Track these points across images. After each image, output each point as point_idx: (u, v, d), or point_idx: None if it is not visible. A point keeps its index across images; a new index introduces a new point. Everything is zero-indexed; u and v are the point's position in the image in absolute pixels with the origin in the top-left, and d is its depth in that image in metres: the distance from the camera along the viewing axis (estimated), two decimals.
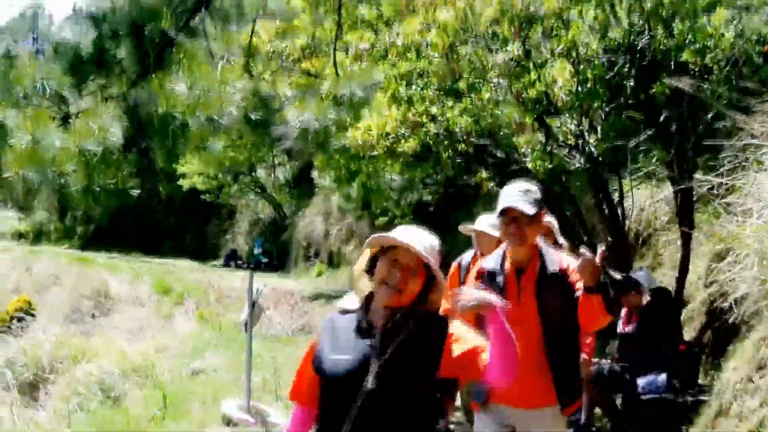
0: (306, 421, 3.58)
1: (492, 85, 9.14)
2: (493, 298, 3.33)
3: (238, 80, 7.04)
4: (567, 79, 8.49)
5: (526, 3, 8.63)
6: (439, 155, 10.41)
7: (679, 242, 9.33)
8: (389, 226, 18.57)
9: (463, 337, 3.40)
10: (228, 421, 9.38)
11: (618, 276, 9.24)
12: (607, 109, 8.76)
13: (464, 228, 7.34)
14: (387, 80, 9.57)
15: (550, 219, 6.76)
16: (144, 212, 35.14)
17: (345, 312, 3.64)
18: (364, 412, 3.23)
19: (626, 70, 8.47)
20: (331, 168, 13.86)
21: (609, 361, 8.72)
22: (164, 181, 32.17)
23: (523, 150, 9.19)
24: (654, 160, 9.66)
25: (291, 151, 24.92)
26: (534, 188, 4.78)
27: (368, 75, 8.35)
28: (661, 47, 7.95)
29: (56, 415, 11.77)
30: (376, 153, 10.29)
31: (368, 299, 3.55)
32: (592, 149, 8.88)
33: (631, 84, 8.53)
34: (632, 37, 8.27)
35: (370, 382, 3.25)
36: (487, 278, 4.84)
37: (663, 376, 8.05)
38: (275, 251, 29.68)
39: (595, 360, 8.32)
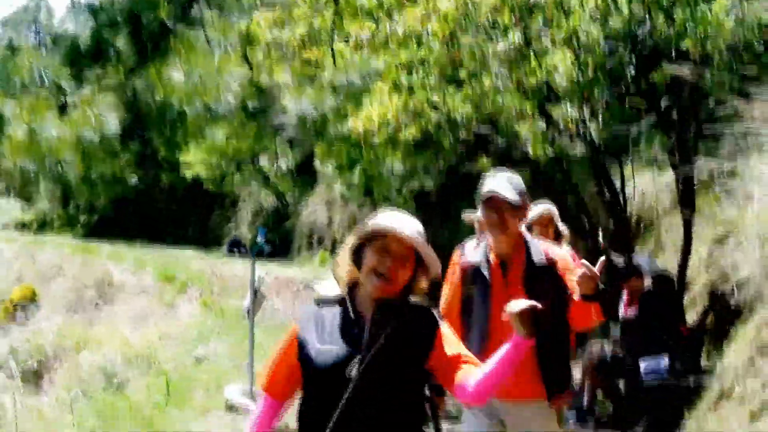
0: (275, 415, 3.42)
1: (493, 73, 9.14)
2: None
3: (235, 69, 7.06)
4: (567, 66, 8.50)
5: None
6: (440, 143, 10.42)
7: (681, 227, 9.35)
8: None
9: (451, 339, 3.35)
10: (231, 407, 9.44)
11: (620, 261, 9.29)
12: (607, 96, 8.77)
13: (467, 216, 7.35)
14: (388, 69, 9.59)
15: (550, 207, 6.79)
16: (147, 201, 35.14)
17: (325, 301, 3.46)
18: (353, 404, 3.12)
19: (627, 57, 8.48)
20: (332, 156, 13.87)
21: (611, 345, 8.78)
22: (167, 170, 32.16)
23: (524, 138, 9.21)
24: (655, 146, 9.67)
25: (293, 140, 24.90)
26: (517, 177, 4.67)
27: (366, 64, 8.37)
28: (662, 35, 7.95)
29: (59, 402, 11.81)
30: (377, 141, 10.30)
31: (352, 288, 3.38)
32: (594, 136, 8.90)
33: (632, 71, 8.54)
34: (633, 25, 8.27)
35: (359, 374, 3.13)
36: (472, 272, 4.74)
37: (665, 360, 8.08)
38: (278, 240, 29.66)
39: (596, 343, 8.37)
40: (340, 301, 3.39)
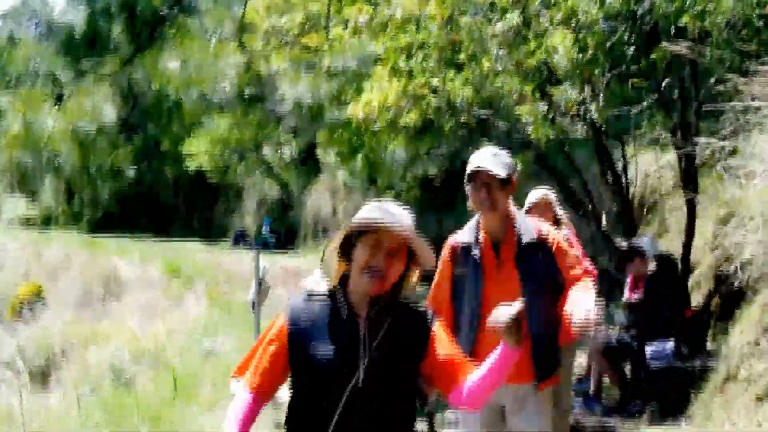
0: (254, 413, 3.23)
1: (492, 55, 9.07)
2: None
3: (232, 56, 7.00)
4: (567, 47, 8.42)
5: None
6: (441, 127, 10.36)
7: (684, 208, 9.28)
8: (396, 201, 18.53)
9: (445, 341, 3.24)
10: None
11: (623, 244, 9.23)
12: (608, 76, 8.70)
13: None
14: (387, 53, 9.53)
15: (547, 192, 6.72)
16: (151, 195, 35.18)
17: (315, 295, 3.30)
18: (351, 405, 3.03)
19: (626, 36, 8.40)
20: (334, 143, 13.81)
21: (617, 330, 8.73)
22: (170, 162, 32.13)
23: (525, 120, 9.14)
24: (657, 126, 9.60)
25: (296, 128, 24.86)
26: (504, 152, 4.55)
27: (362, 47, 8.30)
28: (661, 12, 7.86)
29: (66, 399, 11.82)
30: (377, 127, 10.23)
31: (342, 283, 3.25)
32: (595, 117, 8.82)
33: (632, 50, 8.46)
34: (632, 3, 8.19)
35: (361, 375, 3.05)
36: (462, 252, 4.63)
37: (671, 343, 8.03)
38: (283, 230, 29.66)
39: (602, 329, 8.31)
40: (331, 296, 3.26)
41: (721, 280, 8.67)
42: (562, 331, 4.58)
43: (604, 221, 10.07)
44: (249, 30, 10.54)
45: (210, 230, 32.71)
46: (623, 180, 9.84)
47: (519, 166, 10.31)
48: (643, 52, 8.28)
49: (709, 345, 8.49)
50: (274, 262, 16.58)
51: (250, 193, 32.76)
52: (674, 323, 8.13)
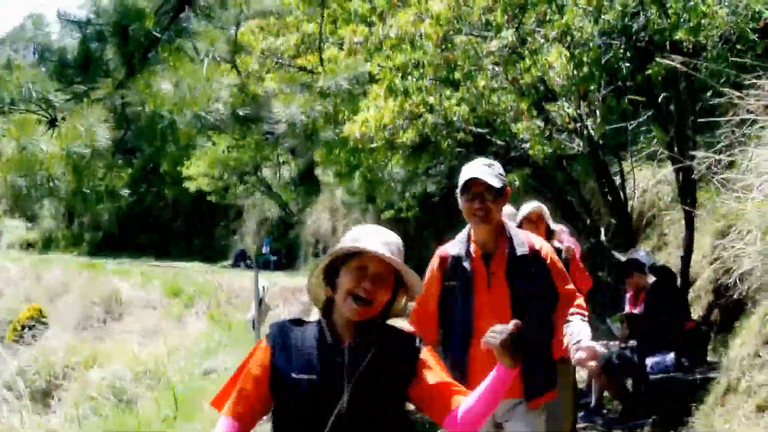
0: None
1: (488, 72, 9.12)
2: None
3: (224, 76, 7.00)
4: (563, 63, 8.46)
5: None
6: (438, 145, 10.38)
7: (683, 221, 9.32)
8: (396, 218, 18.65)
9: (434, 366, 3.15)
10: None
11: (621, 258, 9.26)
12: (604, 92, 8.74)
13: None
14: (382, 72, 9.56)
15: (540, 205, 6.73)
16: (152, 216, 35.28)
17: (298, 322, 3.24)
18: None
19: (622, 52, 8.45)
20: (332, 162, 13.83)
21: (617, 344, 8.74)
22: (169, 184, 32.21)
23: (522, 136, 9.18)
24: (654, 140, 9.64)
25: (295, 149, 24.91)
26: (497, 163, 4.48)
27: (357, 67, 8.33)
28: (656, 27, 7.91)
29: (68, 420, 11.83)
30: (375, 145, 10.25)
31: (327, 308, 3.19)
32: (592, 133, 8.87)
33: (627, 66, 8.51)
34: (626, 19, 8.24)
35: (344, 404, 2.97)
36: (452, 264, 4.52)
37: (671, 355, 8.06)
38: (284, 249, 29.73)
39: (603, 343, 8.32)
40: (315, 323, 3.20)
41: (720, 292, 8.70)
42: (555, 345, 4.57)
43: (602, 235, 10.09)
44: (243, 51, 10.57)
45: (210, 250, 32.77)
46: (621, 194, 9.87)
47: (517, 182, 10.43)
48: (638, 67, 8.32)
49: (709, 357, 8.50)
50: (273, 282, 16.64)
51: (250, 213, 32.84)
52: (675, 335, 8.15)
